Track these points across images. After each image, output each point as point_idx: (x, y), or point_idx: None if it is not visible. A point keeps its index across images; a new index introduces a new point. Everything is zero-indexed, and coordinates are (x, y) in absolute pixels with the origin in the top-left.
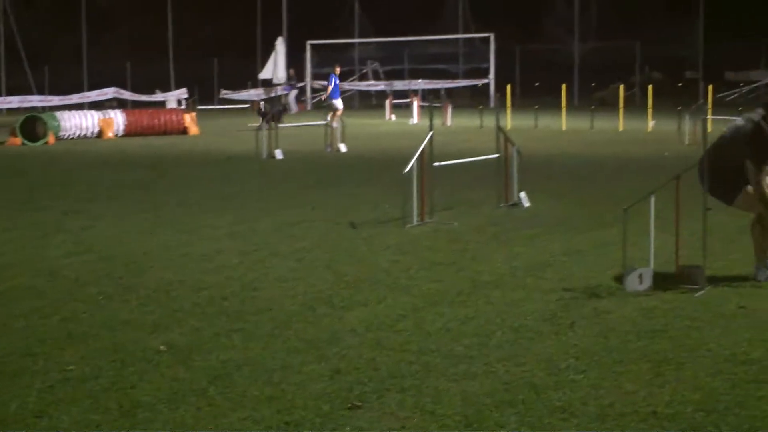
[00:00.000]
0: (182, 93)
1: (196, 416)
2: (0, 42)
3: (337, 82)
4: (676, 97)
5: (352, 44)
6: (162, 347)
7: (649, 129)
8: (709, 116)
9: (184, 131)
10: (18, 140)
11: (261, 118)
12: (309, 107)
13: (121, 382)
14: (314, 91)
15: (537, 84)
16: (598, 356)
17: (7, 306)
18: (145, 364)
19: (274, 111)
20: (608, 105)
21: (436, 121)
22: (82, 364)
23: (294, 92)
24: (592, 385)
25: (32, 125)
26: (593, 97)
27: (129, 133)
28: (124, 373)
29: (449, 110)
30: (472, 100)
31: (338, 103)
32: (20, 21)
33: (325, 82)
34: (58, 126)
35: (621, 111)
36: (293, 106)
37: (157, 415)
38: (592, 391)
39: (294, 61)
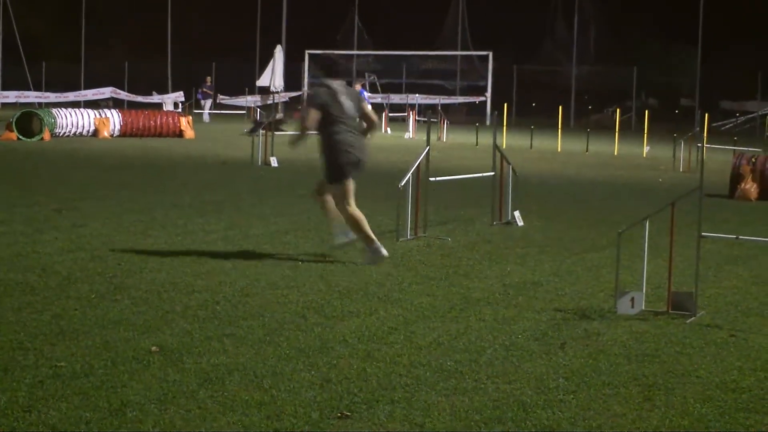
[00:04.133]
0: (179, 96)
1: (185, 418)
2: None
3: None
4: (672, 123)
5: (351, 56)
6: (153, 348)
7: (644, 154)
8: (704, 144)
9: (179, 134)
10: (13, 135)
11: (254, 125)
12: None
13: (112, 380)
14: None
15: (534, 104)
16: (587, 377)
17: None
18: (135, 364)
19: (270, 119)
20: (604, 128)
21: (432, 137)
22: (73, 361)
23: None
24: (581, 405)
25: (28, 121)
26: (589, 120)
27: (125, 133)
28: (114, 371)
29: (445, 126)
30: (468, 116)
31: None
32: (19, 17)
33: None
34: (54, 123)
35: (617, 135)
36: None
37: (146, 415)
38: (580, 412)
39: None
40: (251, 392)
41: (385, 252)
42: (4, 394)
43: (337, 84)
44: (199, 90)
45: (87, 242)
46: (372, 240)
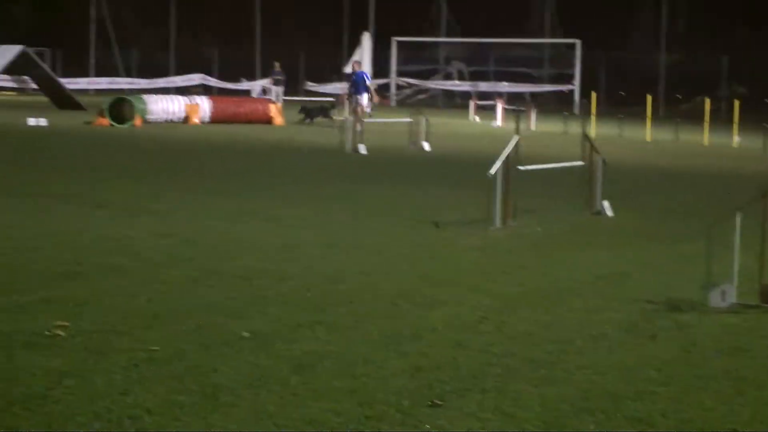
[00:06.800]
0: (268, 82)
1: (277, 404)
2: (91, 24)
3: (367, 76)
4: (763, 113)
5: (438, 43)
6: (245, 333)
7: (735, 144)
8: None
9: (269, 121)
10: (106, 121)
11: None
12: (393, 103)
13: (204, 365)
14: (398, 87)
15: (622, 93)
16: (678, 370)
17: (93, 284)
18: (228, 349)
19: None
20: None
21: (521, 125)
22: (166, 345)
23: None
24: (671, 398)
25: (120, 107)
26: (679, 109)
27: (214, 120)
28: (207, 356)
29: (533, 115)
30: (556, 105)
31: (363, 98)
32: (111, 4)
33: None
34: (145, 109)
35: (706, 125)
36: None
37: (239, 399)
38: (671, 404)
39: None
40: (342, 379)
41: None
42: (101, 377)
43: None
44: (269, 76)
45: (179, 228)
46: None
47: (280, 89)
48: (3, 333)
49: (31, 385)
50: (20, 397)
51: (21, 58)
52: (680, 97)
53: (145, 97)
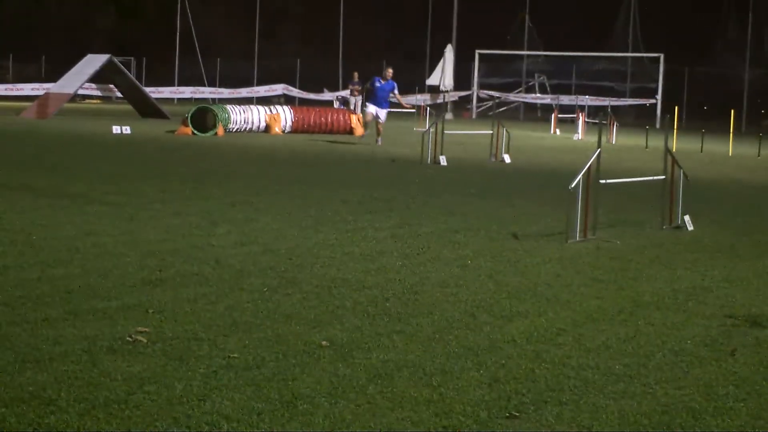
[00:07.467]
0: (347, 93)
1: (355, 413)
2: (176, 34)
3: (378, 85)
4: None
5: (521, 56)
6: (324, 342)
7: None
8: None
9: (350, 131)
10: (188, 130)
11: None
12: (474, 116)
13: (283, 373)
14: (480, 100)
15: (705, 107)
16: (758, 386)
17: (174, 290)
18: (306, 358)
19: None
20: None
21: (602, 138)
22: (245, 352)
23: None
24: (751, 414)
25: (203, 116)
26: (762, 123)
27: (295, 129)
28: (285, 364)
29: (614, 128)
30: (637, 119)
31: (370, 107)
32: (196, 14)
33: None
34: (228, 118)
35: None
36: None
37: (317, 408)
38: (750, 420)
39: (461, 69)
40: (420, 389)
41: None
42: (180, 383)
43: None
44: (349, 87)
45: (259, 236)
46: None
47: (359, 99)
48: (86, 338)
49: (113, 389)
50: (102, 402)
51: (107, 66)
52: (764, 111)
53: (228, 106)
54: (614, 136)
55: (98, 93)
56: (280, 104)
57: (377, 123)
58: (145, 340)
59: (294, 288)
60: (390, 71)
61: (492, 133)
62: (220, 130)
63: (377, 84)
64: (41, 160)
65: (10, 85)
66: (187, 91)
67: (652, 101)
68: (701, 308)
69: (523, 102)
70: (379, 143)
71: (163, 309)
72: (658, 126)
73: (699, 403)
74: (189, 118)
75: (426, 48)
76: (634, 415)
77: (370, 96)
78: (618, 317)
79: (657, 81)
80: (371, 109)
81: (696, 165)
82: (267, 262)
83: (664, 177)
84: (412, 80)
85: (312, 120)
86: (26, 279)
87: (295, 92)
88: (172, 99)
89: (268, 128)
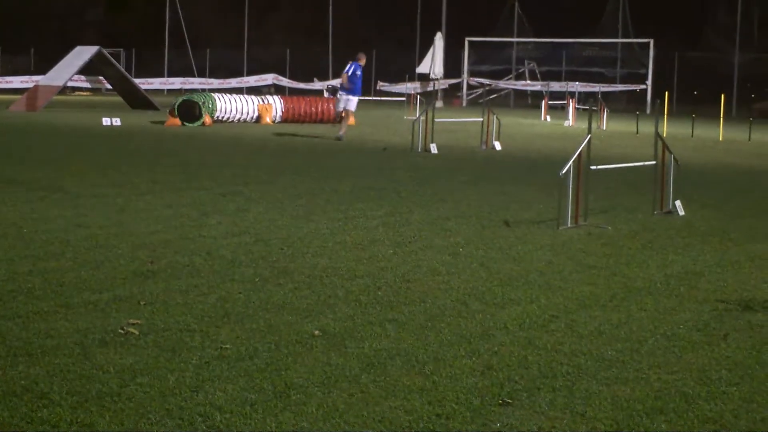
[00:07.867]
0: (338, 82)
1: (348, 402)
2: (165, 25)
3: (358, 73)
4: None
5: (510, 43)
6: (316, 332)
7: None
8: None
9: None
10: (177, 121)
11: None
12: (464, 104)
13: (275, 363)
14: (470, 87)
15: (695, 92)
16: (751, 369)
17: (166, 282)
18: (299, 348)
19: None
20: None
21: (592, 125)
22: (238, 343)
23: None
24: (744, 398)
25: (190, 106)
26: (752, 108)
27: (286, 119)
28: (278, 354)
29: (605, 114)
30: (627, 105)
31: (349, 97)
32: (184, 4)
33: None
34: (214, 106)
35: None
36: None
37: (309, 398)
38: (743, 404)
39: (451, 57)
40: (413, 377)
41: None
42: (173, 375)
43: None
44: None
45: (250, 226)
46: None
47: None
48: (78, 331)
49: (105, 382)
50: (94, 394)
51: (97, 58)
52: (754, 96)
53: (216, 95)
54: (605, 122)
55: (88, 85)
56: (270, 94)
57: (348, 113)
58: (137, 332)
59: (286, 278)
60: (364, 57)
61: (482, 121)
62: (207, 120)
63: (358, 72)
64: (31, 152)
65: None
66: (176, 82)
67: (643, 87)
68: (693, 293)
69: (514, 89)
70: (342, 137)
71: (155, 301)
72: (648, 111)
73: (692, 387)
74: (175, 108)
75: (416, 36)
76: (627, 401)
77: (350, 84)
78: (610, 303)
79: (647, 66)
80: (348, 97)
81: (687, 150)
82: (258, 253)
83: (654, 162)
84: (402, 68)
85: (302, 109)
86: (17, 272)
87: (285, 82)
88: (162, 90)
89: (259, 118)
